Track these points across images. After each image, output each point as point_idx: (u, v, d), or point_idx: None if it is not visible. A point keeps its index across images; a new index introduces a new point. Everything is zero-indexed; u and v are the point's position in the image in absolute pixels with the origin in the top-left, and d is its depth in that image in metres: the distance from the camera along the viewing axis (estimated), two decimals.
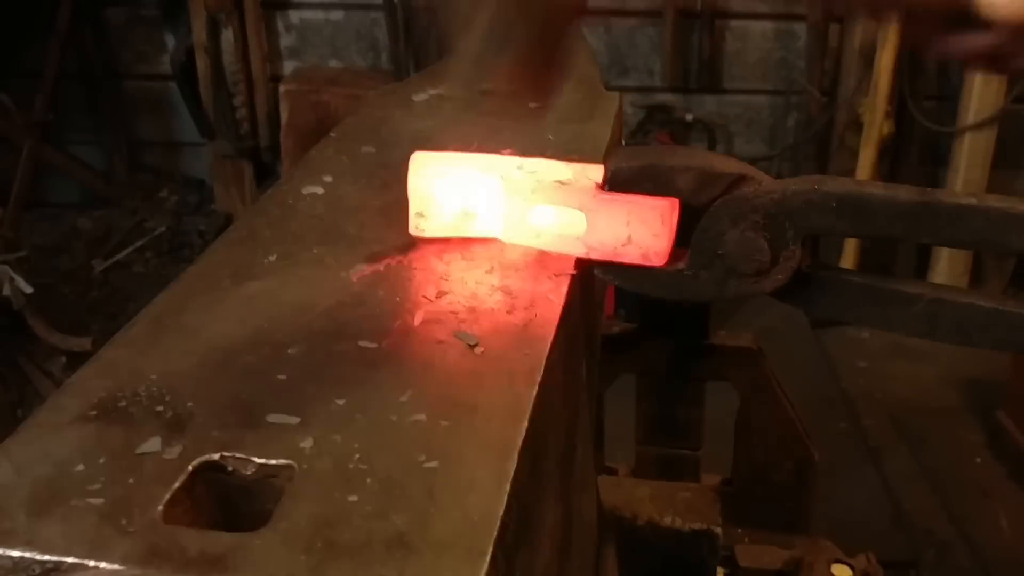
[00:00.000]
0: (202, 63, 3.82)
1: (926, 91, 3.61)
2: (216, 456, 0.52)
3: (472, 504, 0.49)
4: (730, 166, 0.74)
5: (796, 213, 0.72)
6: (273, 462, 0.52)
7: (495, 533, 0.47)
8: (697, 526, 1.26)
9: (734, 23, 3.82)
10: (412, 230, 0.76)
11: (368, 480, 0.50)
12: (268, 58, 3.93)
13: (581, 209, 0.73)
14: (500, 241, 0.76)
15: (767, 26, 3.82)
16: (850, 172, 3.49)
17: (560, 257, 0.74)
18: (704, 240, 0.73)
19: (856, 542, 1.31)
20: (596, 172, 0.75)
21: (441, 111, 1.04)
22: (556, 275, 0.72)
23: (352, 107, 1.12)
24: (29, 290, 2.86)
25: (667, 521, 1.27)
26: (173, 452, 0.52)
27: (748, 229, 0.72)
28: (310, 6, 3.94)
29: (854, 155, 3.52)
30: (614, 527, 1.22)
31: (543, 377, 0.60)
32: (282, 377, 0.59)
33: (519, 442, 0.53)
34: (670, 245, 0.73)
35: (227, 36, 3.79)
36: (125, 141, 4.26)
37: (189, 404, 0.56)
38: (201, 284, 0.71)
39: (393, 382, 0.58)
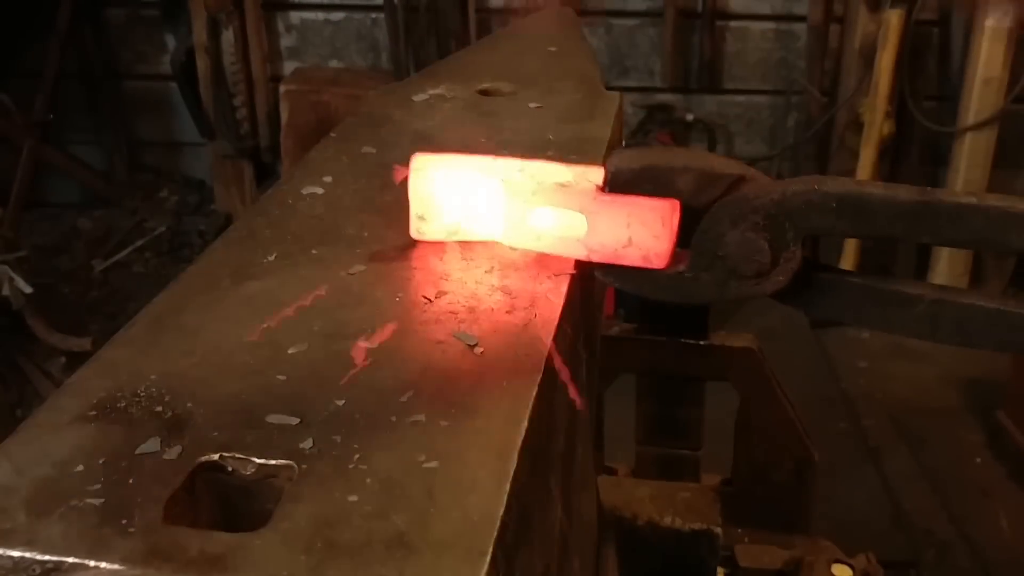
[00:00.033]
0: (202, 63, 3.82)
1: (926, 91, 3.61)
2: (216, 456, 0.52)
3: (472, 504, 0.49)
4: (730, 167, 0.74)
5: (796, 214, 0.72)
6: (273, 462, 0.52)
7: (495, 533, 0.47)
8: (697, 526, 1.26)
9: (734, 23, 3.82)
10: (413, 233, 0.76)
11: (368, 480, 0.50)
12: (268, 58, 3.94)
13: (581, 211, 0.73)
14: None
15: (767, 26, 3.82)
16: (850, 172, 3.50)
17: (560, 257, 0.74)
18: (704, 241, 0.73)
19: (856, 542, 1.32)
20: (596, 174, 0.75)
21: (441, 111, 1.04)
22: (556, 275, 0.72)
23: (352, 107, 1.12)
24: (29, 290, 2.87)
25: (667, 521, 1.27)
26: (173, 452, 0.52)
27: (748, 230, 0.72)
28: (310, 6, 3.94)
29: (854, 155, 3.52)
30: (614, 527, 1.22)
31: (543, 377, 0.60)
32: (282, 377, 0.59)
33: (519, 442, 0.53)
34: (671, 247, 0.73)
35: (227, 36, 3.79)
36: (125, 141, 4.27)
37: (189, 404, 0.56)
38: (201, 284, 0.71)
39: (393, 382, 0.58)
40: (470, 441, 0.53)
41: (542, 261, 0.74)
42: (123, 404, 0.57)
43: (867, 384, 3.16)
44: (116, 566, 0.45)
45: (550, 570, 0.63)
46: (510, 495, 0.49)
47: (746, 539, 1.31)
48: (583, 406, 0.79)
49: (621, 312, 3.22)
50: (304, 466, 0.51)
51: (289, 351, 0.62)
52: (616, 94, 1.08)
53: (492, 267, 0.73)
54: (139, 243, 4.00)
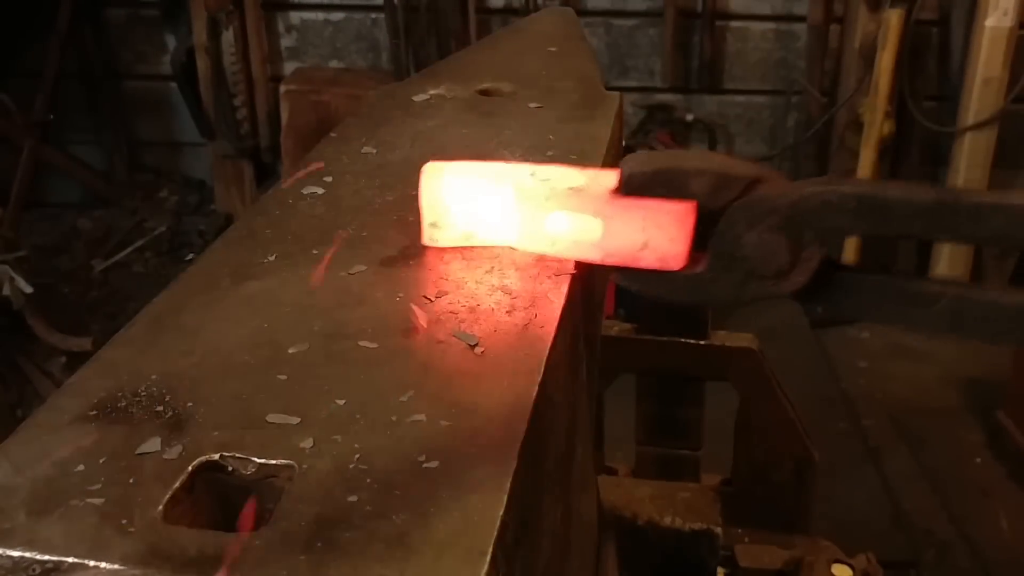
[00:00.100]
0: (202, 63, 3.82)
1: (926, 91, 3.61)
2: (216, 456, 0.52)
3: (472, 504, 0.49)
4: (745, 168, 0.73)
5: (814, 215, 0.71)
6: (273, 462, 0.52)
7: (495, 533, 0.47)
8: (697, 526, 1.26)
9: (734, 23, 3.82)
10: (426, 241, 0.76)
11: (368, 480, 0.50)
12: (268, 58, 3.94)
13: (596, 215, 0.72)
14: (500, 242, 0.76)
15: (767, 26, 3.82)
16: (850, 172, 3.50)
17: (560, 257, 0.74)
18: (722, 243, 0.73)
19: (856, 542, 1.32)
20: (610, 178, 0.75)
21: (441, 111, 1.04)
22: (556, 275, 0.72)
23: (352, 107, 1.12)
24: (29, 290, 2.87)
25: (667, 521, 1.27)
26: (173, 452, 0.52)
27: (766, 231, 0.72)
28: (310, 6, 3.94)
29: (854, 155, 3.52)
30: (614, 527, 1.22)
31: (543, 377, 0.60)
32: (282, 377, 0.59)
33: (519, 442, 0.53)
34: (687, 249, 0.72)
35: (227, 36, 3.79)
36: (125, 141, 4.26)
37: (189, 404, 0.56)
38: (201, 284, 0.71)
39: (393, 382, 0.58)
40: (470, 441, 0.53)
41: (542, 261, 0.74)
42: (123, 404, 0.57)
43: (867, 384, 3.16)
44: (116, 566, 0.45)
45: (550, 570, 0.63)
46: (510, 495, 0.49)
47: (746, 539, 1.31)
48: (585, 400, 0.79)
49: (621, 312, 3.22)
50: (304, 466, 0.51)
51: (289, 351, 0.62)
52: (616, 94, 1.08)
53: (492, 267, 0.73)
54: (139, 243, 3.99)
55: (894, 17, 3.29)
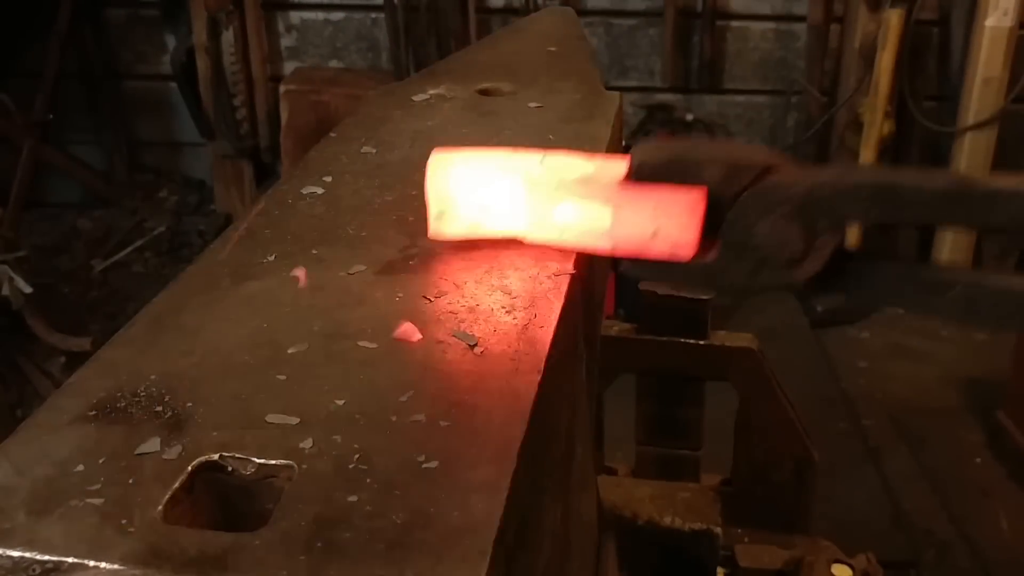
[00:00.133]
0: (202, 63, 3.82)
1: (926, 91, 3.61)
2: (216, 456, 0.52)
3: (472, 504, 0.49)
4: (757, 156, 0.72)
5: (828, 202, 0.70)
6: (273, 462, 0.52)
7: (495, 533, 0.47)
8: (697, 526, 1.26)
9: (734, 23, 3.82)
10: (432, 231, 0.76)
11: (368, 480, 0.50)
12: (268, 58, 3.94)
13: (606, 203, 0.71)
14: (500, 240, 0.76)
15: (767, 26, 3.82)
16: None
17: (560, 257, 0.74)
18: (734, 232, 0.72)
19: (856, 542, 1.32)
20: (619, 166, 0.74)
21: (441, 111, 1.04)
22: (556, 275, 0.72)
23: (352, 107, 1.12)
24: (29, 290, 2.87)
25: (667, 521, 1.27)
26: (173, 452, 0.52)
27: (779, 219, 0.71)
28: (310, 6, 3.94)
29: (854, 155, 3.52)
30: (614, 527, 1.22)
31: (543, 377, 0.60)
32: (282, 377, 0.59)
33: (519, 442, 0.53)
34: (698, 238, 0.71)
35: (227, 36, 3.79)
36: (125, 141, 4.26)
37: (189, 404, 0.56)
38: (201, 284, 0.71)
39: (393, 382, 0.58)
40: (470, 441, 0.53)
41: (542, 261, 0.74)
42: (123, 404, 0.57)
43: (867, 384, 3.16)
44: (116, 566, 0.45)
45: (550, 570, 0.63)
46: (510, 495, 0.49)
47: (746, 539, 1.31)
48: (585, 400, 0.79)
49: (621, 312, 3.22)
50: (304, 466, 0.51)
51: (289, 351, 0.62)
52: (616, 94, 1.08)
53: (492, 267, 0.73)
54: (139, 243, 3.99)
55: (894, 17, 3.29)
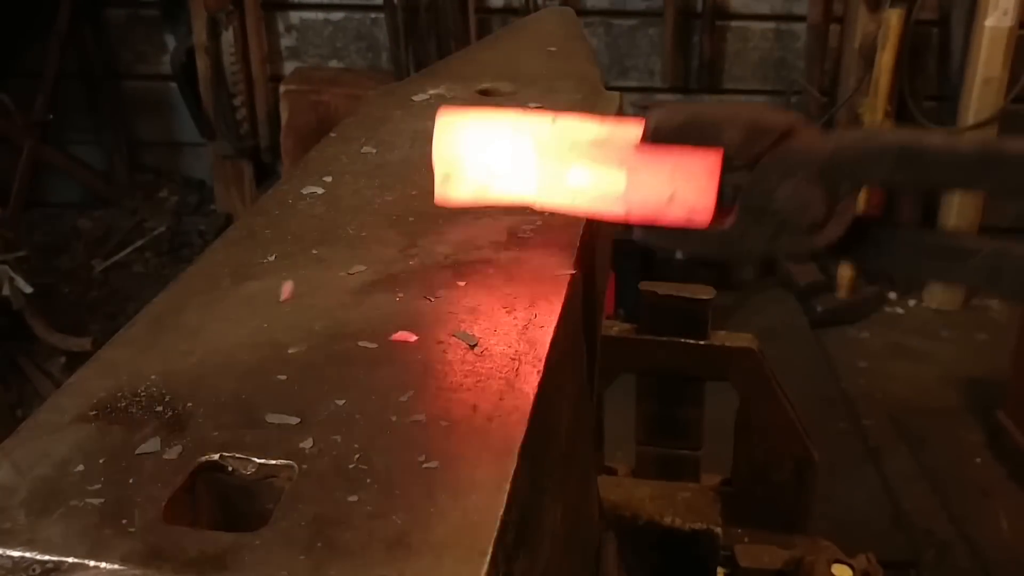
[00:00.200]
0: (202, 63, 3.82)
1: (926, 91, 3.61)
2: (216, 456, 0.52)
3: (472, 504, 0.49)
4: (778, 118, 0.70)
5: (852, 165, 0.68)
6: (273, 462, 0.52)
7: (495, 533, 0.47)
8: (697, 526, 1.26)
9: (734, 23, 3.82)
10: (438, 197, 0.73)
11: (368, 480, 0.50)
12: (268, 58, 3.93)
13: (620, 167, 0.69)
14: (500, 239, 0.76)
15: (767, 26, 3.82)
16: None
17: (560, 257, 0.74)
18: (754, 195, 0.69)
19: (856, 542, 1.31)
20: (634, 129, 0.71)
21: None
22: (556, 275, 0.72)
23: (352, 107, 1.12)
24: (29, 290, 2.87)
25: (667, 521, 1.27)
26: (173, 452, 0.52)
27: (801, 182, 0.69)
28: (310, 6, 3.94)
29: None
30: (614, 527, 1.22)
31: (543, 377, 0.60)
32: (282, 377, 0.59)
33: (519, 442, 0.53)
34: (714, 202, 0.69)
35: (227, 36, 3.79)
36: (125, 141, 4.26)
37: (189, 404, 0.56)
38: (201, 284, 0.71)
39: (393, 382, 0.58)
40: (470, 441, 0.53)
41: (542, 261, 0.73)
42: (123, 404, 0.57)
43: (867, 384, 3.16)
44: (116, 566, 0.45)
45: (550, 570, 0.63)
46: (510, 495, 0.49)
47: (746, 539, 1.31)
48: (585, 400, 0.78)
49: (621, 312, 3.22)
50: (304, 466, 0.51)
51: (289, 351, 0.62)
52: (616, 94, 1.08)
53: (492, 267, 0.73)
54: (139, 243, 3.99)
55: (894, 17, 3.29)
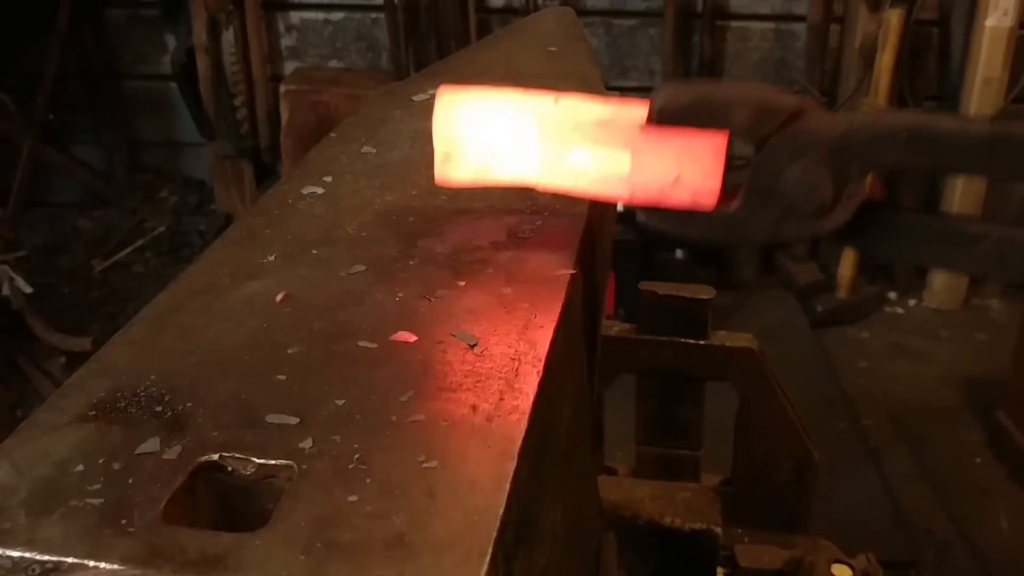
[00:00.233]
0: (202, 63, 3.82)
1: (926, 91, 3.61)
2: (216, 456, 0.52)
3: (472, 504, 0.49)
4: (787, 99, 0.69)
5: (862, 147, 0.67)
6: (273, 462, 0.52)
7: (495, 533, 0.47)
8: (697, 526, 1.26)
9: (734, 23, 3.82)
10: (437, 177, 0.72)
11: (368, 480, 0.50)
12: (268, 58, 3.94)
13: (625, 148, 0.67)
14: (500, 239, 0.75)
15: (767, 26, 3.82)
16: None
17: (560, 257, 0.74)
18: (761, 177, 0.68)
19: (856, 542, 1.31)
20: (640, 109, 0.70)
21: None
22: (556, 275, 0.72)
23: (352, 107, 1.12)
24: (29, 290, 2.87)
25: (667, 521, 1.27)
26: (173, 452, 0.52)
27: (810, 164, 0.67)
28: (310, 6, 3.94)
29: None
30: (614, 527, 1.22)
31: (543, 377, 0.60)
32: (282, 377, 0.59)
33: (519, 442, 0.53)
34: (720, 185, 0.68)
35: (227, 36, 3.79)
36: (125, 141, 4.26)
37: (189, 404, 0.56)
38: (201, 284, 0.71)
39: (393, 382, 0.58)
40: (470, 441, 0.53)
41: (542, 261, 0.73)
42: (123, 404, 0.57)
43: (867, 384, 3.16)
44: (116, 566, 0.45)
45: (550, 570, 0.63)
46: (510, 495, 0.49)
47: (746, 539, 1.31)
48: (585, 400, 0.78)
49: (621, 312, 3.22)
50: (304, 466, 0.51)
51: (289, 351, 0.62)
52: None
53: (492, 267, 0.73)
54: (139, 243, 3.99)
55: (894, 17, 3.29)
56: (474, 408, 0.56)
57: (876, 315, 3.59)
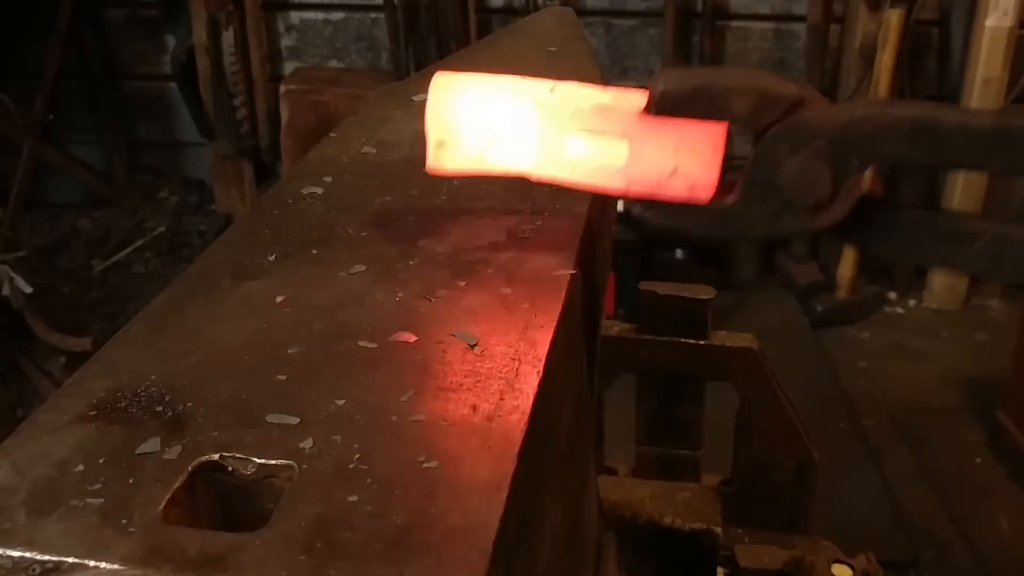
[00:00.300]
0: (202, 63, 3.82)
1: (926, 91, 3.61)
2: (216, 456, 0.52)
3: (472, 504, 0.49)
4: (788, 88, 0.67)
5: (864, 140, 0.66)
6: (273, 462, 0.52)
7: (495, 533, 0.47)
8: (697, 526, 1.26)
9: (734, 23, 3.82)
10: (431, 164, 0.71)
11: (368, 480, 0.50)
12: (268, 58, 3.93)
13: (624, 136, 0.66)
14: (500, 239, 0.75)
15: (767, 26, 3.82)
16: None
17: (560, 257, 0.74)
18: (759, 170, 0.67)
19: (856, 542, 1.31)
20: (639, 97, 0.69)
21: None
22: (556, 275, 0.72)
23: (352, 107, 1.12)
24: (29, 290, 2.87)
25: (667, 521, 1.27)
26: (173, 452, 0.52)
27: (810, 157, 0.66)
28: (310, 6, 3.94)
29: None
30: (614, 527, 1.22)
31: (543, 377, 0.60)
32: (282, 377, 0.59)
33: (519, 442, 0.53)
34: (718, 177, 0.67)
35: (227, 36, 3.79)
36: (125, 141, 4.26)
37: (189, 404, 0.56)
38: (201, 284, 0.71)
39: (393, 382, 0.58)
40: (470, 441, 0.53)
41: (543, 260, 0.73)
42: (123, 404, 0.57)
43: (867, 384, 3.16)
44: (116, 566, 0.45)
45: (550, 570, 0.63)
46: (510, 495, 0.49)
47: (746, 539, 1.31)
48: (585, 400, 0.78)
49: (621, 312, 3.22)
50: (304, 466, 0.51)
51: (289, 351, 0.62)
52: None
53: (492, 267, 0.73)
54: (139, 243, 3.99)
55: (894, 17, 3.29)
56: (474, 408, 0.56)
57: (876, 315, 3.59)
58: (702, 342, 1.30)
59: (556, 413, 0.66)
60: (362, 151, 0.94)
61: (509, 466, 0.51)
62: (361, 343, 0.62)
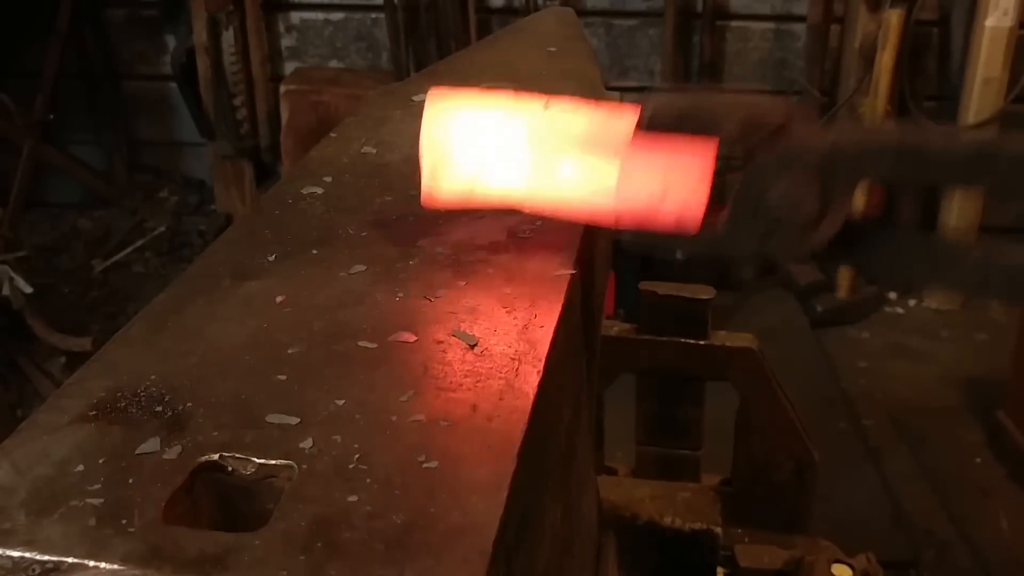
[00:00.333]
0: (202, 63, 3.82)
1: (926, 91, 3.61)
2: (216, 456, 0.52)
3: (472, 504, 0.49)
4: (776, 110, 0.68)
5: (852, 161, 0.66)
6: (273, 462, 0.52)
7: (495, 533, 0.47)
8: (697, 526, 1.26)
9: (734, 23, 3.82)
10: (424, 194, 0.73)
11: (368, 480, 0.50)
12: (268, 58, 3.93)
13: (614, 162, 0.67)
14: (500, 239, 0.76)
15: (767, 26, 3.82)
16: None
17: (560, 257, 0.74)
18: (748, 191, 0.68)
19: (856, 542, 1.31)
20: (629, 117, 0.69)
21: None
22: (556, 275, 0.72)
23: (352, 107, 1.12)
24: (29, 290, 2.87)
25: (667, 521, 1.27)
26: (173, 452, 0.52)
27: (798, 178, 0.67)
28: (310, 6, 3.94)
29: None
30: (614, 527, 1.22)
31: (543, 377, 0.60)
32: (282, 377, 0.59)
33: (519, 442, 0.53)
34: (707, 200, 0.67)
35: (227, 36, 3.79)
36: (125, 141, 4.26)
37: (189, 404, 0.56)
38: (201, 284, 0.71)
39: (393, 382, 0.58)
40: (470, 441, 0.53)
41: (543, 261, 0.73)
42: (123, 404, 0.57)
43: (867, 384, 3.15)
44: (116, 566, 0.45)
45: (550, 570, 0.63)
46: (510, 495, 0.49)
47: (746, 539, 1.31)
48: (585, 400, 0.78)
49: (621, 312, 3.22)
50: (304, 466, 0.51)
51: (289, 351, 0.62)
52: (616, 95, 1.08)
53: (492, 267, 0.73)
54: (139, 243, 3.99)
55: (894, 17, 3.29)
56: (474, 408, 0.56)
57: (876, 315, 3.59)
58: (702, 342, 1.30)
59: (556, 413, 0.66)
60: (362, 151, 0.94)
61: (509, 466, 0.51)
62: (361, 343, 0.62)
